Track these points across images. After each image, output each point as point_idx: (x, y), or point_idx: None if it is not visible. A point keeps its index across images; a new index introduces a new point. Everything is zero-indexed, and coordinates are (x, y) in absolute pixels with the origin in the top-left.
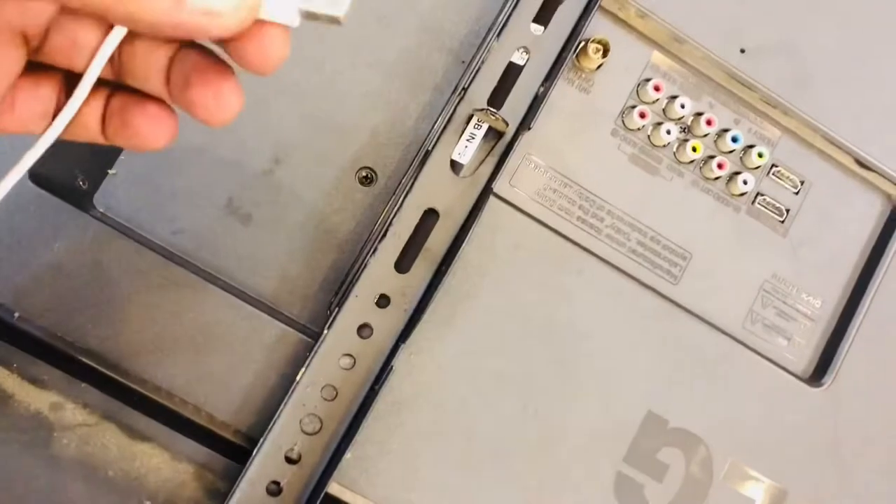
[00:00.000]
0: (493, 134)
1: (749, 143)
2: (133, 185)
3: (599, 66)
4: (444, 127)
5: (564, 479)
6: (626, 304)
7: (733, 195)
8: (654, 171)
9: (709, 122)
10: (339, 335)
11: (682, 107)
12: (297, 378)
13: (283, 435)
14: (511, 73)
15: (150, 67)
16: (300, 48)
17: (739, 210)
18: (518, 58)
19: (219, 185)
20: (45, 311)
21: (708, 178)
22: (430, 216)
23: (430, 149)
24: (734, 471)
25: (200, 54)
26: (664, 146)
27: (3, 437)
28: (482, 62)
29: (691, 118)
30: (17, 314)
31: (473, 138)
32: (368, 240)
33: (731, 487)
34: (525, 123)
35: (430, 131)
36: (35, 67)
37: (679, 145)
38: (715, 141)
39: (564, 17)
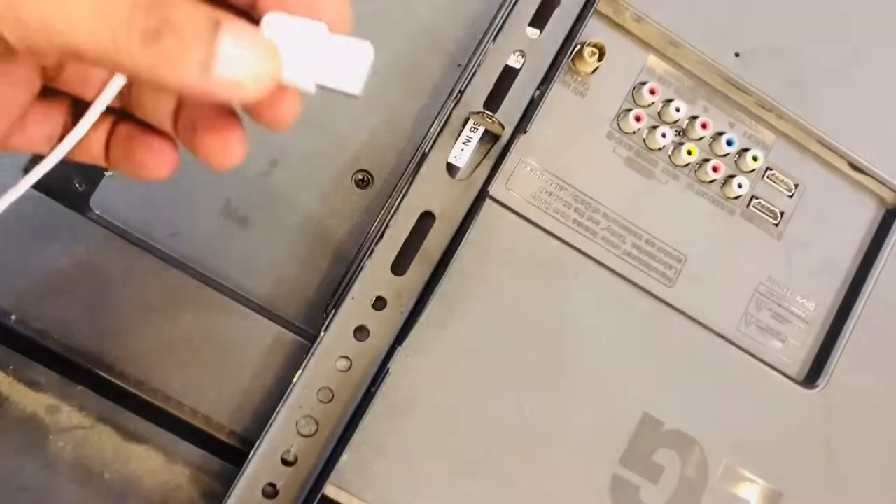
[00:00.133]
0: (490, 137)
1: (744, 147)
2: (130, 187)
3: (595, 70)
4: (441, 130)
5: (560, 481)
6: (621, 307)
7: (728, 198)
8: (649, 174)
9: (704, 126)
10: (336, 337)
11: (678, 110)
12: (294, 380)
13: (280, 437)
14: (507, 76)
15: (157, 106)
16: None
17: (734, 213)
18: (514, 61)
19: (216, 188)
20: (41, 314)
21: (703, 182)
22: (426, 219)
23: (426, 151)
24: (729, 472)
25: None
26: (659, 149)
27: None
28: (478, 65)
29: (686, 122)
30: (13, 316)
31: (469, 141)
32: (365, 242)
33: (726, 489)
34: (521, 126)
35: (427, 134)
36: (47, 92)
37: (674, 148)
38: (710, 144)
39: (560, 21)
